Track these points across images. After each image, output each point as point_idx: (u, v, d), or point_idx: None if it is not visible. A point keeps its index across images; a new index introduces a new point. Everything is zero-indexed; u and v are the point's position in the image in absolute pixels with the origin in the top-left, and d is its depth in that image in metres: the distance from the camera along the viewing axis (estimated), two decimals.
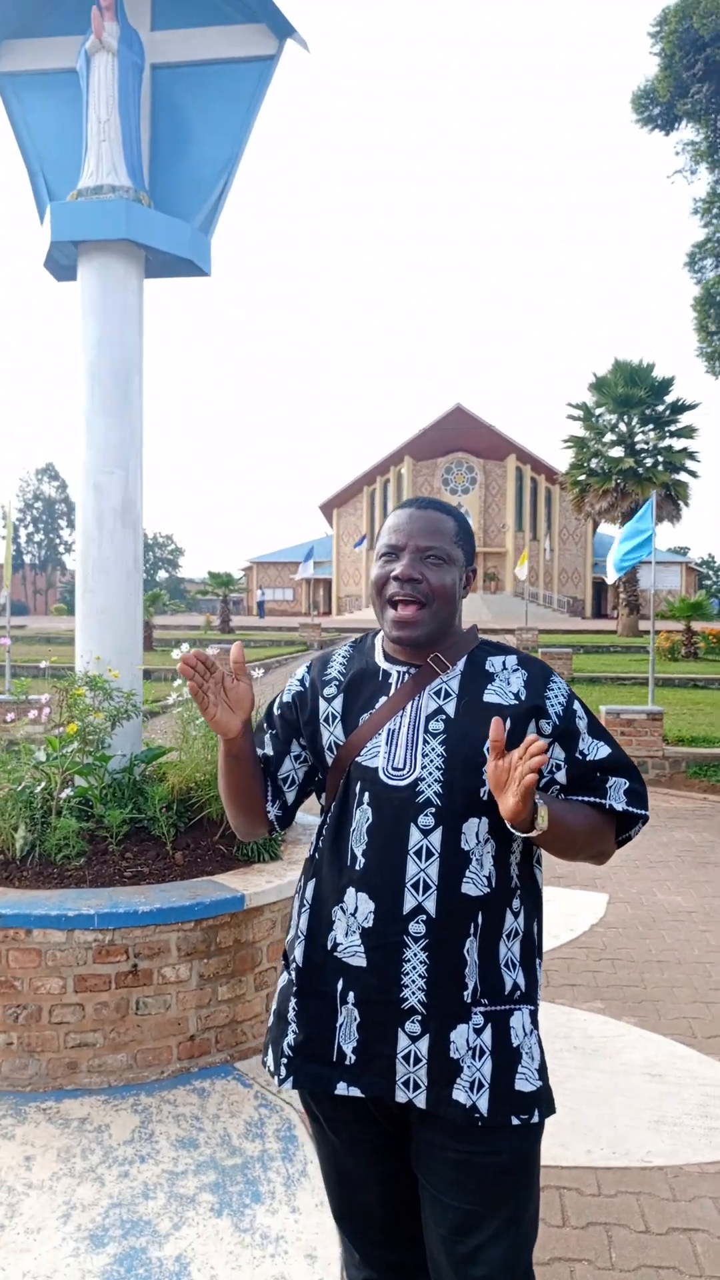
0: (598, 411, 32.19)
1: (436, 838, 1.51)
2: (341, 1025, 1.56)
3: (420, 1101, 1.51)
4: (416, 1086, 1.51)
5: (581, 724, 1.61)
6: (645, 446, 31.54)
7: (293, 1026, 1.61)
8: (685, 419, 31.14)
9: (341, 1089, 1.55)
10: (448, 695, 1.59)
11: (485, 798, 1.52)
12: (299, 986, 1.62)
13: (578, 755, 1.59)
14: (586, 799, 1.58)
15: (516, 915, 1.58)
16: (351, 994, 1.55)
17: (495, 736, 1.40)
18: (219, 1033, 3.40)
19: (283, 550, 67.49)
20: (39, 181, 4.44)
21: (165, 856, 3.70)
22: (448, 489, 55.41)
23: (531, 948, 1.61)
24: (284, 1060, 1.62)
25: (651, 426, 31.48)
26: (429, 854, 1.51)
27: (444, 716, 1.57)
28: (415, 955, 1.50)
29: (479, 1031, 1.52)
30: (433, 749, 1.54)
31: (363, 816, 1.56)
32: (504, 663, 1.64)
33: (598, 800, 1.58)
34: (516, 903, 1.59)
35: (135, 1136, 2.94)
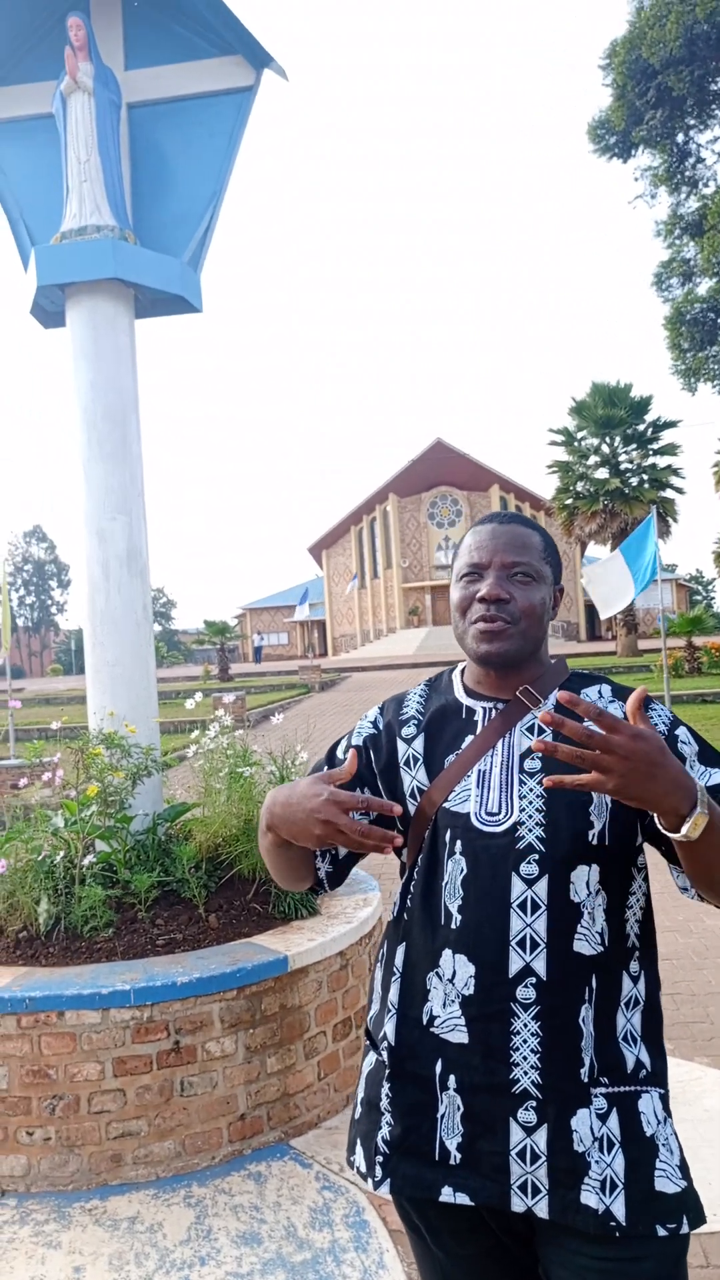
0: (579, 435, 32.33)
1: (542, 888, 1.31)
2: (443, 1116, 1.34)
3: (542, 1210, 1.27)
4: (536, 1191, 1.28)
5: (689, 750, 1.40)
6: (630, 466, 31.64)
7: (386, 1118, 1.39)
8: (667, 436, 31.30)
9: (447, 1195, 1.32)
10: (542, 733, 1.40)
11: (595, 841, 1.32)
12: (391, 1069, 1.40)
13: None
14: None
15: (636, 980, 1.37)
16: (453, 1077, 1.33)
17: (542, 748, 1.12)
18: (271, 1109, 3.15)
19: (275, 595, 67.49)
20: (20, 229, 4.32)
21: (198, 920, 3.47)
22: (434, 523, 55.59)
23: (656, 1021, 1.39)
24: (379, 1159, 1.39)
25: (634, 446, 31.61)
26: (534, 907, 1.31)
27: (539, 754, 1.37)
28: (525, 1025, 1.29)
29: (603, 1117, 1.29)
30: (530, 790, 1.35)
31: (456, 868, 1.36)
32: (599, 692, 1.45)
33: None
34: (635, 965, 1.38)
35: (192, 1235, 2.68)
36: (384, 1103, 1.41)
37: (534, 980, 1.30)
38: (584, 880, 1.33)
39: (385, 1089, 1.41)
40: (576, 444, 32.31)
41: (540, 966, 1.30)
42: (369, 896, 3.84)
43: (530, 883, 1.32)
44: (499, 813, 1.36)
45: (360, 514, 56.96)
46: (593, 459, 32.23)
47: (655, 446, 31.38)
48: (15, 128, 4.33)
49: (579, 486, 31.94)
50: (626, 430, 31.44)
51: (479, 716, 1.45)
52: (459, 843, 1.37)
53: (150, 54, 4.31)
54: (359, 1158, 1.44)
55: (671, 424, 31.25)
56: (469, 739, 1.43)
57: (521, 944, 1.31)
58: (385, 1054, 1.42)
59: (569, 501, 31.78)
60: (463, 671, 1.55)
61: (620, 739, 1.11)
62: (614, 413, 30.98)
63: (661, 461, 31.23)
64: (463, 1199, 1.31)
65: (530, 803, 1.35)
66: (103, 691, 3.91)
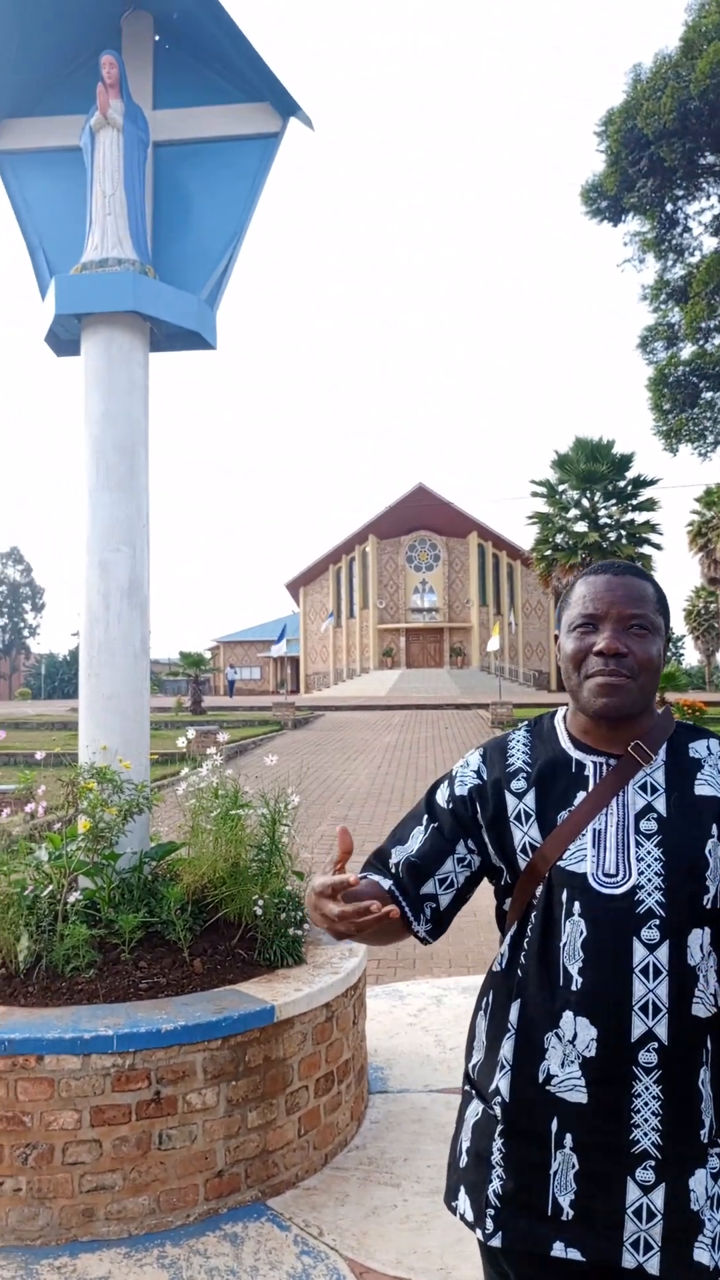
0: (561, 488, 32.75)
1: (664, 953, 1.32)
2: (556, 1173, 1.35)
3: (653, 1266, 1.29)
4: (649, 1248, 1.29)
5: None
6: (609, 521, 32.07)
7: (497, 1171, 1.40)
8: (646, 493, 31.77)
9: (558, 1250, 1.33)
10: (655, 790, 1.41)
11: (709, 905, 1.34)
12: (505, 1126, 1.40)
13: None
14: None
15: None
16: (569, 1136, 1.34)
17: None
18: (249, 1166, 3.05)
19: (250, 629, 67.28)
20: (39, 258, 4.32)
21: (182, 964, 3.38)
22: (412, 565, 55.91)
23: None
24: (490, 1212, 1.40)
25: (614, 501, 32.07)
26: (656, 972, 1.32)
27: (655, 815, 1.39)
28: (647, 1089, 1.30)
29: (715, 1177, 1.32)
30: (648, 852, 1.36)
31: (575, 929, 1.37)
32: (708, 747, 1.46)
33: None
34: None
35: None
36: (495, 1156, 1.42)
37: (656, 1045, 1.31)
38: (699, 944, 1.34)
39: (498, 1144, 1.42)
40: (558, 496, 32.72)
41: (662, 1032, 1.31)
42: (355, 947, 3.77)
43: (652, 948, 1.33)
44: (617, 874, 1.36)
45: (340, 553, 57.16)
46: (573, 512, 32.65)
47: (635, 503, 31.86)
48: (41, 158, 4.35)
49: (558, 539, 32.30)
50: (607, 486, 31.91)
51: (589, 771, 1.45)
52: (577, 904, 1.37)
53: (179, 95, 4.36)
54: (464, 1205, 1.46)
55: (651, 482, 31.77)
56: (580, 795, 1.43)
57: (644, 1009, 1.32)
58: (498, 1109, 1.42)
59: (548, 553, 32.11)
60: (565, 718, 1.54)
61: None
62: (596, 468, 31.45)
63: (640, 518, 31.72)
64: (574, 1254, 1.33)
65: (649, 865, 1.36)
66: (96, 724, 3.84)
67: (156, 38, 4.41)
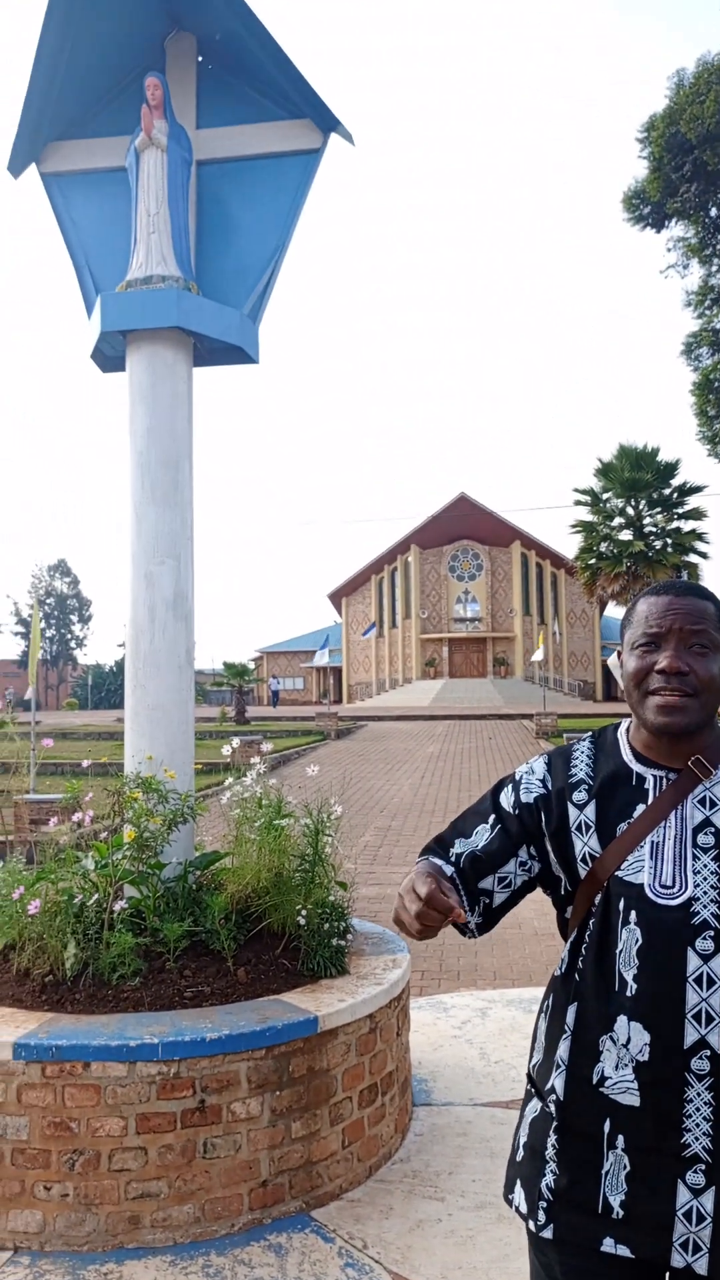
0: (605, 496, 32.44)
1: (717, 964, 1.35)
2: (607, 1173, 1.38)
3: (701, 1266, 1.32)
4: (697, 1249, 1.32)
5: None
6: (655, 529, 31.68)
7: (550, 1166, 1.45)
8: (693, 501, 31.35)
9: (608, 1246, 1.37)
10: (714, 805, 1.44)
11: None
12: (559, 1123, 1.44)
13: None
14: None
15: None
16: (621, 1138, 1.37)
17: None
18: (293, 1176, 3.05)
19: (293, 639, 67.62)
20: (85, 276, 4.40)
21: (226, 973, 3.40)
22: (454, 575, 55.83)
23: None
24: (542, 1205, 1.45)
25: (660, 509, 31.67)
26: (710, 982, 1.35)
27: (713, 829, 1.42)
28: (699, 1095, 1.33)
29: None
30: (704, 865, 1.40)
31: (630, 938, 1.41)
32: None
33: None
34: None
35: None
36: (549, 1152, 1.46)
37: (708, 1053, 1.34)
38: None
39: (552, 1139, 1.46)
40: (602, 505, 32.41)
41: (715, 1040, 1.34)
42: (398, 958, 3.76)
43: (706, 958, 1.36)
44: (673, 886, 1.40)
45: (382, 563, 57.26)
46: (617, 520, 32.31)
47: (681, 511, 31.44)
48: (87, 179, 4.44)
49: (603, 547, 31.97)
50: (652, 493, 31.53)
51: (649, 785, 1.49)
52: (633, 913, 1.41)
53: (222, 114, 4.42)
54: (519, 1197, 1.50)
55: (698, 489, 31.34)
56: (640, 807, 1.47)
57: (697, 1017, 1.35)
58: (553, 1107, 1.46)
59: (592, 562, 31.80)
60: (628, 730, 1.57)
61: None
62: (640, 475, 31.11)
63: (686, 526, 31.28)
64: (623, 1251, 1.36)
65: (705, 879, 1.39)
66: (141, 734, 3.89)
67: (200, 58, 4.48)
